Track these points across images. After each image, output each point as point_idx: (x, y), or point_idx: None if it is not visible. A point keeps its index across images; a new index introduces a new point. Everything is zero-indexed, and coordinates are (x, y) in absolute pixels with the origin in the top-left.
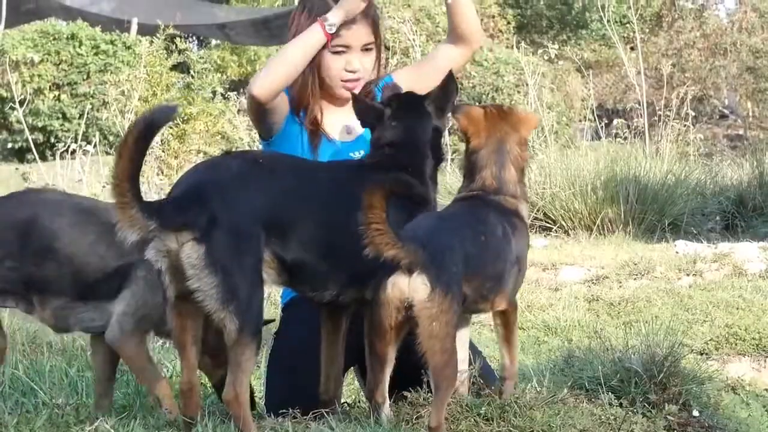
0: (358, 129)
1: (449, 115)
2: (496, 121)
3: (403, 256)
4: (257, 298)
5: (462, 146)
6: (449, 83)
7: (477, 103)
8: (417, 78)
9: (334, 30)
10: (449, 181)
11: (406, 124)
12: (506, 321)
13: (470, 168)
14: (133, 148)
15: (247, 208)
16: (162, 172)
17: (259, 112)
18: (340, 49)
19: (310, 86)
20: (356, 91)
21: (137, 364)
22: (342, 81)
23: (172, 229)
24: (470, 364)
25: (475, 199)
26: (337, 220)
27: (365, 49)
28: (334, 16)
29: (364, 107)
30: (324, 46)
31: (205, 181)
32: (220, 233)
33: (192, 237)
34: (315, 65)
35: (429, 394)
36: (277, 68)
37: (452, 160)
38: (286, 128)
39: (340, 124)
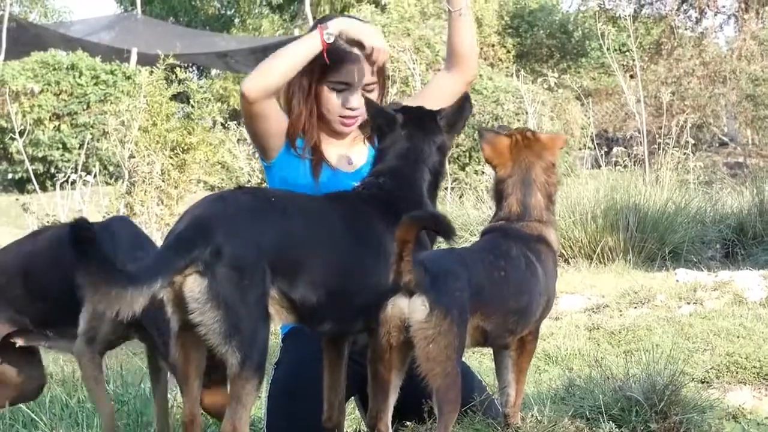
0: (359, 161)
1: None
2: (521, 150)
3: (410, 279)
4: (261, 333)
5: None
6: (464, 102)
7: (477, 132)
8: None
9: (331, 40)
10: (449, 210)
11: (414, 136)
12: (523, 348)
13: (498, 196)
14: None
15: (253, 243)
16: (162, 202)
17: (252, 117)
18: (340, 86)
19: (307, 116)
20: (351, 129)
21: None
22: (339, 117)
23: (176, 272)
24: (473, 392)
25: (498, 232)
26: (345, 259)
27: (366, 89)
28: (335, 26)
29: (378, 111)
30: (327, 72)
31: (212, 213)
32: (223, 267)
33: (195, 270)
34: (315, 98)
35: (433, 423)
36: (270, 67)
37: (452, 189)
38: (286, 154)
39: (341, 155)
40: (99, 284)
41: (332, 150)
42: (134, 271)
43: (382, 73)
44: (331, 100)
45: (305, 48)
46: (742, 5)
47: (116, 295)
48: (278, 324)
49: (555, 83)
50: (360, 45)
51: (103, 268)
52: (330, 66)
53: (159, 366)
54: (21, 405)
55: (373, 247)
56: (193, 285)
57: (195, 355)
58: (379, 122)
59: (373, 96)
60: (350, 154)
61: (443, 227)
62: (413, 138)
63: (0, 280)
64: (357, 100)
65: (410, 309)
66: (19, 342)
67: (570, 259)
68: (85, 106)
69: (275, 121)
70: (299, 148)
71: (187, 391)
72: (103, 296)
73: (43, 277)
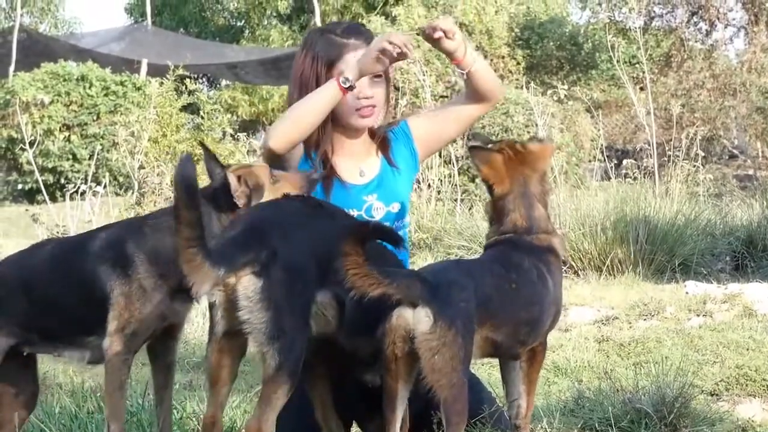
0: (371, 173)
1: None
2: (516, 165)
3: (393, 291)
4: (301, 340)
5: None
6: None
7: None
8: (433, 126)
9: (348, 85)
10: (458, 222)
11: None
12: (533, 359)
13: (498, 213)
14: (186, 213)
15: (306, 248)
16: None
17: (274, 161)
18: None
19: (320, 125)
20: (372, 120)
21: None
22: (356, 110)
23: (236, 269)
24: (483, 403)
25: (506, 244)
26: (390, 261)
27: (374, 79)
28: (351, 73)
29: None
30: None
31: (266, 218)
32: (279, 269)
33: (251, 270)
34: None
35: None
36: (293, 122)
37: (461, 200)
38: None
39: (354, 166)
40: (195, 255)
41: (343, 163)
42: (212, 252)
43: (386, 70)
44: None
45: (326, 98)
46: (752, 18)
47: (206, 269)
48: (320, 331)
49: (565, 95)
50: (360, 34)
51: (200, 236)
52: (333, 63)
53: (168, 375)
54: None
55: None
56: (249, 284)
57: (229, 361)
58: None
59: (381, 89)
60: (362, 166)
61: (389, 236)
62: None
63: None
64: (368, 88)
65: (414, 320)
66: (26, 351)
67: (579, 271)
68: (95, 117)
69: (295, 154)
70: (314, 161)
71: (214, 394)
72: (196, 268)
73: (46, 291)
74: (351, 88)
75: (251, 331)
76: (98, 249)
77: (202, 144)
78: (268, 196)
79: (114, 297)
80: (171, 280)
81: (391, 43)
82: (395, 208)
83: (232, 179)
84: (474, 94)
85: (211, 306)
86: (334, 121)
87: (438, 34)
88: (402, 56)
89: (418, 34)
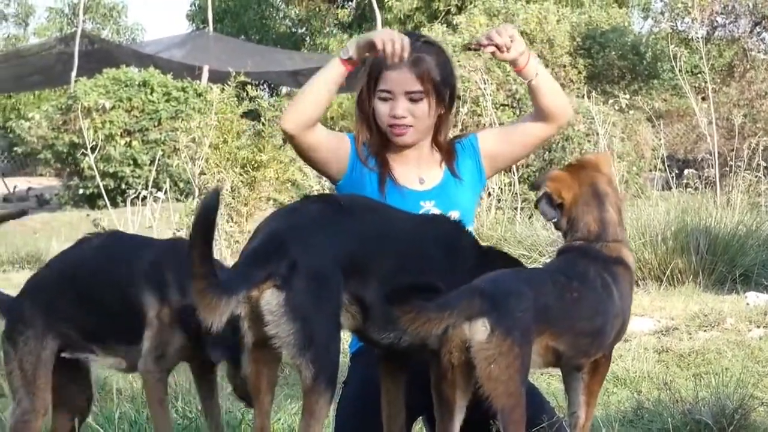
0: (432, 181)
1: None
2: (580, 171)
3: (456, 320)
4: (334, 346)
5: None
6: None
7: (546, 152)
8: (501, 144)
9: (346, 56)
10: (518, 230)
11: None
12: (596, 370)
13: (571, 223)
14: (200, 244)
15: (327, 253)
16: (232, 219)
17: (301, 150)
18: (384, 95)
19: (366, 126)
20: (407, 138)
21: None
22: (388, 126)
23: (257, 284)
24: (542, 413)
25: (575, 252)
26: (412, 260)
27: (411, 98)
28: (351, 46)
29: None
30: (374, 83)
31: (285, 226)
32: (300, 280)
33: (273, 284)
34: (371, 111)
35: None
36: (302, 100)
37: (522, 209)
38: (351, 173)
39: (413, 173)
40: (204, 291)
41: (401, 168)
42: (224, 281)
43: (431, 82)
44: (380, 109)
45: (327, 72)
46: None
47: (214, 304)
48: (344, 331)
49: (626, 104)
50: (373, 47)
51: (210, 272)
52: (377, 77)
53: (211, 387)
54: (90, 420)
55: (446, 250)
56: (271, 298)
57: (267, 370)
58: None
59: (422, 107)
60: (423, 175)
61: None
62: None
63: (44, 297)
64: (401, 108)
65: (471, 330)
66: (65, 355)
67: (639, 281)
68: (156, 123)
69: (326, 148)
70: (365, 156)
71: (259, 405)
72: (206, 305)
73: (90, 288)
74: (350, 59)
75: (281, 345)
76: (141, 267)
77: None
78: None
79: (149, 318)
80: None
81: (383, 41)
82: (454, 216)
83: None
84: (539, 110)
85: (237, 318)
86: (378, 131)
87: (489, 50)
88: (393, 57)
89: (469, 49)
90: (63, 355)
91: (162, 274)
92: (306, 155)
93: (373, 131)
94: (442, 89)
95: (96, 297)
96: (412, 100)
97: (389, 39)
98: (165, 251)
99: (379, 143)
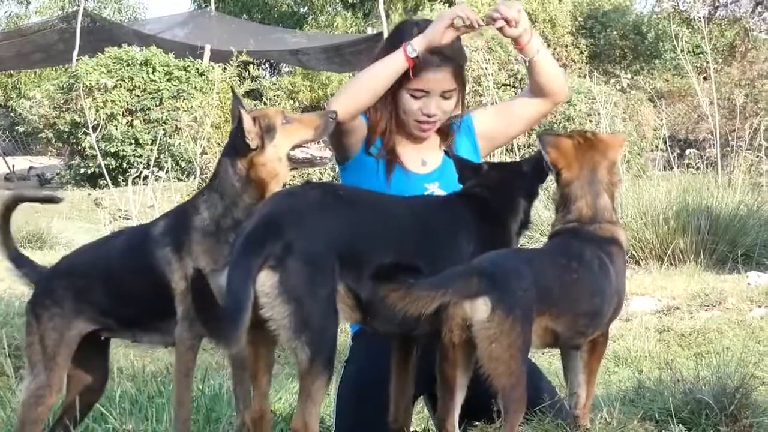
0: (434, 163)
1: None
2: (586, 151)
3: (450, 297)
4: (330, 328)
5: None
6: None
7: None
8: (497, 122)
9: (414, 54)
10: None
11: (501, 173)
12: (594, 349)
13: (564, 200)
14: None
15: (323, 238)
16: None
17: (338, 133)
18: (419, 93)
19: (387, 120)
20: (429, 134)
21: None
22: (416, 122)
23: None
24: (542, 392)
25: (569, 233)
26: (413, 255)
27: (444, 96)
28: (418, 43)
29: (462, 164)
30: (407, 77)
31: (282, 209)
32: (294, 261)
33: (267, 265)
34: (394, 102)
35: (500, 423)
36: (358, 90)
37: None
38: (361, 154)
39: (416, 156)
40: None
41: (407, 152)
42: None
43: (461, 79)
44: (410, 105)
45: (391, 66)
46: None
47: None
48: (343, 322)
49: (628, 84)
50: (441, 53)
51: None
52: (414, 75)
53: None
54: None
55: (444, 243)
56: (265, 280)
57: (264, 351)
58: (467, 175)
59: (451, 102)
60: (424, 156)
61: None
62: (501, 176)
63: (78, 283)
64: (435, 107)
65: (472, 308)
66: (105, 336)
67: (641, 261)
68: (158, 102)
69: (359, 132)
70: (376, 148)
71: (257, 386)
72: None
73: (122, 283)
74: (417, 58)
75: (276, 328)
76: (158, 235)
77: (232, 89)
78: (281, 139)
79: (175, 282)
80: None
81: (459, 16)
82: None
83: (247, 120)
84: (536, 87)
85: None
86: (397, 122)
87: (499, 24)
88: (470, 28)
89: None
90: (102, 336)
91: (175, 237)
92: (339, 138)
93: (392, 121)
94: (465, 78)
95: (128, 291)
96: (444, 98)
97: (457, 16)
98: (173, 216)
99: (392, 128)
